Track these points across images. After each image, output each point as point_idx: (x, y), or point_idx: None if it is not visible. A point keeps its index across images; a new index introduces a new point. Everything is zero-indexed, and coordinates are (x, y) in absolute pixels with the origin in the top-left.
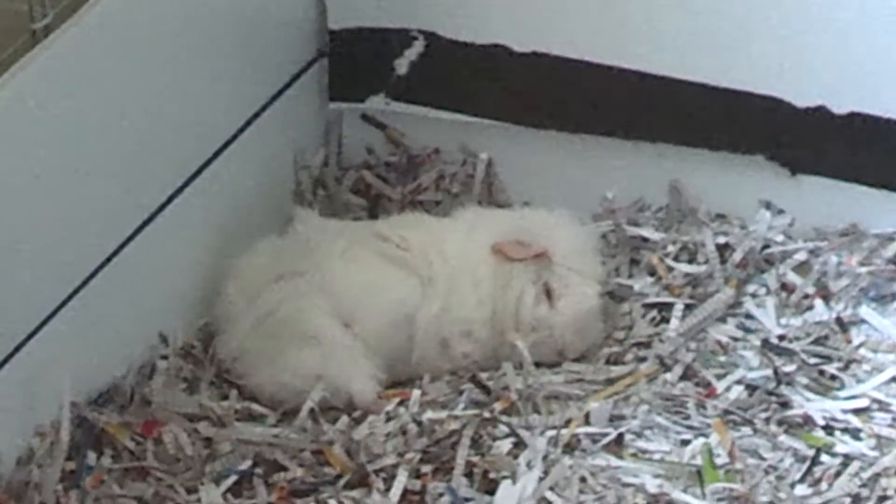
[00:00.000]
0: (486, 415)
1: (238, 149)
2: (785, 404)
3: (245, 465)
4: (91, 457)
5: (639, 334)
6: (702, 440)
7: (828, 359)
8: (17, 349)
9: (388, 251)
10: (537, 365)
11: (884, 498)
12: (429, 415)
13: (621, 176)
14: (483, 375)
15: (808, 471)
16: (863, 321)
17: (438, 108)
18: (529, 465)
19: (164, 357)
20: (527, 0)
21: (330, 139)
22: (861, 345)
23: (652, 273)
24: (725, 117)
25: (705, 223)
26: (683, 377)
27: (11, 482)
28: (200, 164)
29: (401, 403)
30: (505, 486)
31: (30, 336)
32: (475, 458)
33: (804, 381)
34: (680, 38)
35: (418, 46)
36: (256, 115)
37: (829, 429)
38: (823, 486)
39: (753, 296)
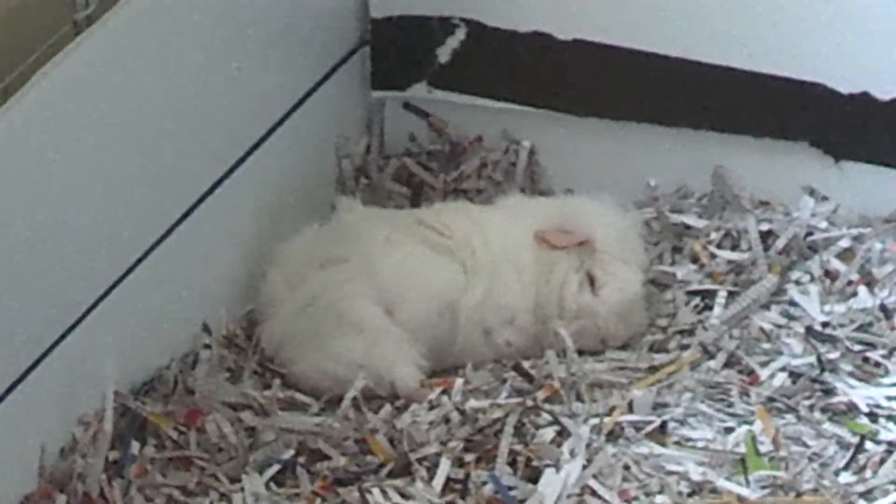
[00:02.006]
0: (529, 403)
1: (281, 137)
2: (829, 391)
3: (288, 454)
4: (134, 446)
5: (682, 322)
6: (745, 428)
7: (871, 346)
8: (60, 339)
9: (430, 239)
10: (580, 353)
11: None
12: (472, 403)
13: (664, 163)
14: (526, 363)
15: (853, 458)
16: None
17: (481, 96)
18: (573, 454)
19: (208, 346)
20: None
21: (372, 127)
22: None
23: (695, 260)
24: (769, 104)
25: (748, 210)
26: (727, 365)
27: (55, 472)
28: (243, 153)
29: (444, 392)
30: (548, 475)
31: (73, 326)
32: (518, 447)
33: (848, 368)
34: (722, 25)
35: (460, 34)
36: (299, 104)
37: (873, 416)
38: (868, 473)
39: (797, 283)
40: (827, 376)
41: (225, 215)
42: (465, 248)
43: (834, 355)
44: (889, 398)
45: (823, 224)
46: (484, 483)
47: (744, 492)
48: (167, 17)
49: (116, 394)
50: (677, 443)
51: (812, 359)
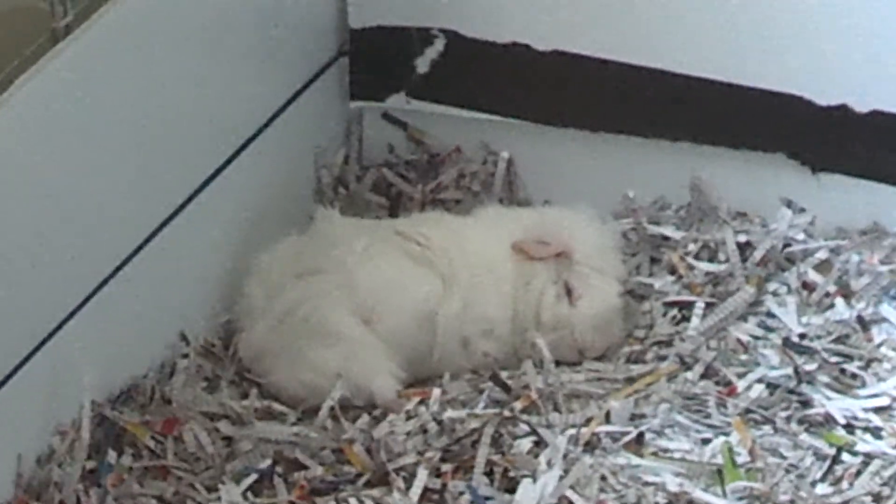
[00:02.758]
0: (507, 413)
1: (259, 147)
2: (806, 403)
3: (265, 463)
4: (111, 455)
5: (659, 333)
6: (722, 439)
7: (849, 357)
8: (37, 348)
9: (409, 249)
10: (558, 363)
11: None
12: (449, 413)
13: (642, 174)
14: (504, 374)
15: (829, 469)
16: (884, 320)
17: (459, 107)
18: (550, 464)
19: (185, 356)
20: None
21: (351, 138)
22: (882, 343)
23: (672, 271)
24: (746, 115)
25: (726, 221)
26: (704, 376)
27: (32, 481)
28: (221, 163)
29: (421, 402)
30: (525, 485)
31: (50, 335)
32: (495, 457)
33: (825, 379)
34: (701, 36)
35: (439, 45)
36: (277, 114)
37: (850, 427)
38: (844, 484)
39: (774, 294)
40: (804, 388)
41: (203, 225)
42: (443, 259)
43: (811, 367)
44: (866, 410)
45: (801, 236)
46: (461, 493)
47: (720, 503)
48: (146, 26)
49: (94, 403)
50: (654, 454)
51: (789, 370)
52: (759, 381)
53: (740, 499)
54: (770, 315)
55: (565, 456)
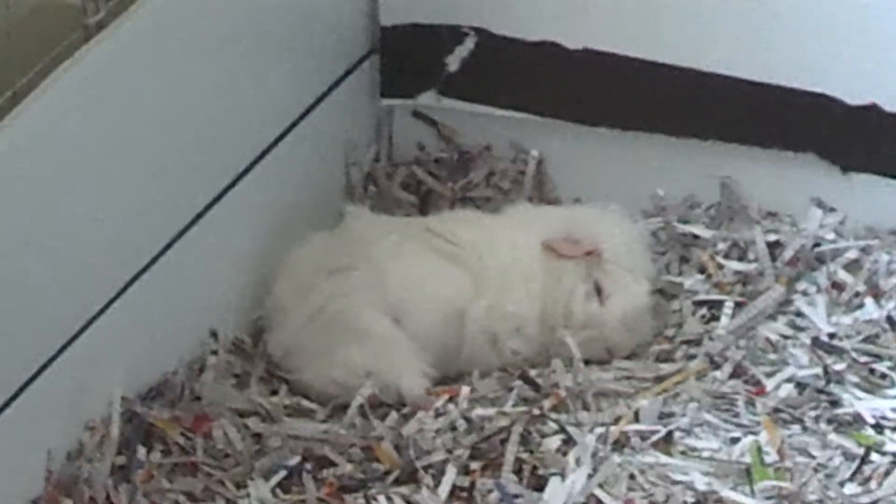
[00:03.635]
0: (536, 411)
1: (290, 145)
2: (835, 402)
3: (294, 460)
4: (141, 452)
5: (689, 332)
6: (751, 438)
7: (878, 357)
8: (67, 344)
9: (438, 247)
10: (587, 362)
11: None
12: (478, 411)
13: (672, 173)
14: (532, 372)
15: (858, 469)
16: None
17: (489, 105)
18: (578, 462)
19: (215, 352)
20: None
21: (381, 135)
22: None
23: (702, 270)
24: (776, 115)
25: (756, 221)
26: (733, 375)
27: (62, 477)
28: (252, 160)
29: (450, 400)
30: (554, 483)
31: (81, 331)
32: (524, 455)
33: (854, 379)
34: (730, 35)
35: (469, 43)
36: (308, 112)
37: (878, 427)
38: (873, 484)
39: (804, 294)
40: (833, 387)
41: (233, 222)
42: (472, 257)
43: (840, 366)
44: (895, 410)
45: (831, 235)
46: (490, 491)
47: (749, 502)
48: (177, 23)
49: (123, 399)
50: (683, 452)
51: (818, 370)
52: (788, 380)
53: (769, 498)
54: (799, 314)
55: (594, 454)
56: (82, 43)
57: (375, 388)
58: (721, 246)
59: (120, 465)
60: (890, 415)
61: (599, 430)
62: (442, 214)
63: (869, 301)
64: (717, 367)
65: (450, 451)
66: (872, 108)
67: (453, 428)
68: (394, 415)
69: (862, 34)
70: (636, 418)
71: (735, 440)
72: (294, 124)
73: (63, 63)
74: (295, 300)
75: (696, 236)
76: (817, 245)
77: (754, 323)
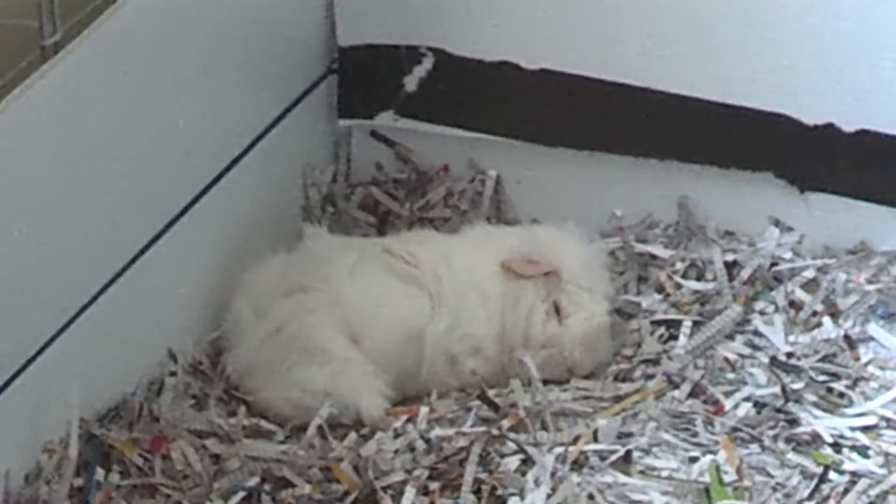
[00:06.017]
0: (495, 432)
1: (247, 165)
2: (793, 422)
3: (253, 481)
4: (99, 473)
5: (647, 351)
6: (710, 457)
7: (836, 376)
8: (25, 365)
9: (397, 267)
10: (545, 382)
11: None
12: (437, 432)
13: (630, 193)
14: (491, 392)
15: (816, 488)
16: (871, 339)
17: (447, 125)
18: (537, 482)
19: (173, 373)
20: (535, 17)
21: (339, 156)
22: (869, 362)
23: (660, 290)
24: (734, 134)
25: (714, 240)
26: (691, 394)
27: (20, 499)
28: (210, 181)
29: (409, 420)
30: (513, 503)
31: (38, 352)
32: (483, 475)
33: (812, 398)
34: (689, 55)
35: (427, 63)
36: (266, 132)
37: (837, 446)
38: (832, 503)
39: (762, 313)
40: (791, 406)
41: (191, 242)
42: (431, 277)
43: (798, 385)
44: (853, 429)
45: (788, 255)
46: None
47: None
48: (134, 44)
49: (82, 420)
50: (642, 472)
51: (776, 389)
52: (747, 399)
53: None
54: (757, 334)
55: (553, 474)
56: (39, 64)
57: (334, 408)
58: (679, 265)
59: (78, 487)
60: (848, 434)
61: (558, 449)
62: (400, 235)
63: (826, 320)
64: (676, 386)
65: (409, 472)
66: (830, 128)
67: (412, 448)
68: (353, 435)
69: (819, 54)
70: (595, 438)
71: (694, 459)
72: (252, 145)
73: (20, 84)
74: (253, 321)
75: (654, 256)
76: (775, 264)
77: (712, 342)
